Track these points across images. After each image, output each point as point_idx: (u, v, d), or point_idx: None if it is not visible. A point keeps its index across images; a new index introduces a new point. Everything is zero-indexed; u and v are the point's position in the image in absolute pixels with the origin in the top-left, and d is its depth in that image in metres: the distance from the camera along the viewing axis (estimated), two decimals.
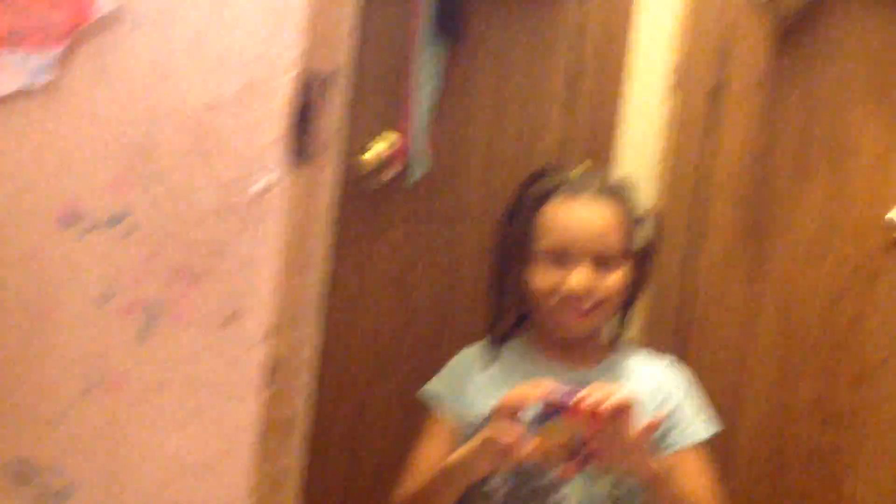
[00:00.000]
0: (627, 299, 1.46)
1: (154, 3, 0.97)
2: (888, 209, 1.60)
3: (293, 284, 0.94)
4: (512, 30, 1.67)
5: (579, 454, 1.23)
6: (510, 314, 1.51)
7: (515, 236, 1.45)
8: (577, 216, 1.41)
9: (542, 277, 1.41)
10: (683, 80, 1.64)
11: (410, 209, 1.67)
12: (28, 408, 0.95)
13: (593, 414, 1.20)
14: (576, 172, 1.48)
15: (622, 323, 1.49)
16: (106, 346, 0.95)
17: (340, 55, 0.99)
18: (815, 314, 1.64)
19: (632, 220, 1.44)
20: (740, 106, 1.64)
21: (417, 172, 1.63)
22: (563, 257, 1.39)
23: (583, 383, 1.29)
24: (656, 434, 1.35)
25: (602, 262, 1.39)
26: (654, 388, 1.44)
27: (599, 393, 1.22)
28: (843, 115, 1.63)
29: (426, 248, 1.68)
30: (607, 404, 1.21)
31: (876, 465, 1.61)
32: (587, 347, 1.47)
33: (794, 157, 1.65)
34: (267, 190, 0.94)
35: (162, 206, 0.95)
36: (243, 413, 0.91)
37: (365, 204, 1.66)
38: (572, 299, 1.39)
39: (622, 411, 1.22)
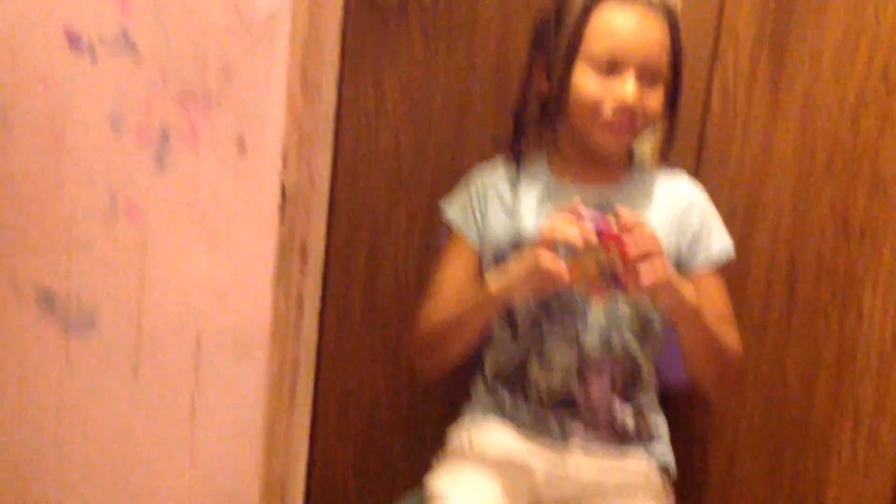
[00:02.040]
0: (666, 122, 1.43)
1: None
2: None
3: (304, 108, 0.95)
4: None
5: (608, 279, 1.24)
6: (531, 127, 1.49)
7: (559, 40, 1.39)
8: (631, 25, 1.35)
9: (590, 84, 1.37)
10: None
11: (427, 24, 1.65)
12: (51, 236, 0.98)
13: (623, 238, 1.20)
14: None
15: (663, 144, 1.47)
16: (124, 171, 0.97)
17: None
18: (837, 123, 1.62)
19: (675, 38, 1.40)
20: None
21: None
22: (611, 66, 1.35)
23: (608, 201, 1.30)
24: (678, 255, 1.38)
25: (648, 76, 1.36)
26: (674, 206, 1.44)
27: (629, 216, 1.22)
28: None
29: (443, 63, 1.67)
30: (636, 226, 1.22)
31: (891, 278, 1.63)
32: (609, 164, 1.45)
33: None
34: (275, 12, 0.94)
35: (170, 24, 0.94)
36: (260, 237, 0.94)
37: (381, 20, 1.64)
38: (622, 111, 1.36)
39: (650, 237, 1.23)
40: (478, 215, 1.46)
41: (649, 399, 1.47)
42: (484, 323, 1.36)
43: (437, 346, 1.42)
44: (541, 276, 1.24)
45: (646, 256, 1.22)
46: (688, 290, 1.30)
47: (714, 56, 1.62)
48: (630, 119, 1.36)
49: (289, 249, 1.00)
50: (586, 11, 1.36)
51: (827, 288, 1.66)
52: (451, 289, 1.43)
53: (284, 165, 0.98)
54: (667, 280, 1.24)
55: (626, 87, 1.34)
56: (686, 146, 1.64)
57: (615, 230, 1.20)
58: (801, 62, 1.62)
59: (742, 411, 1.71)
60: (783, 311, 1.68)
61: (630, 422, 1.43)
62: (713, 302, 1.41)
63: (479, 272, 1.45)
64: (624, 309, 1.41)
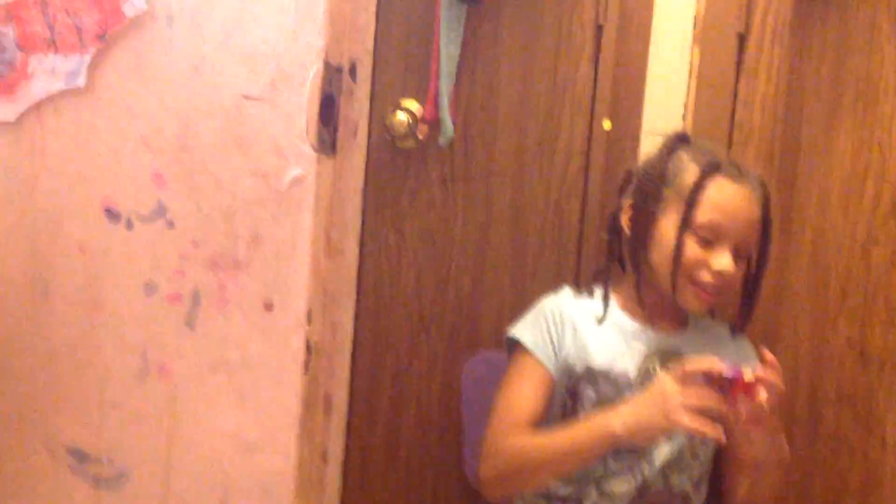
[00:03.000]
0: (748, 291, 1.49)
1: (186, 1, 1.01)
2: None
3: (327, 270, 1.00)
4: None
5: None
6: (614, 267, 1.53)
7: (667, 199, 1.44)
8: (739, 203, 1.42)
9: (692, 249, 1.41)
10: (708, 28, 1.64)
11: (445, 168, 1.71)
12: (85, 397, 1.03)
13: (749, 390, 1.24)
14: (720, 152, 1.49)
15: (743, 315, 1.51)
16: (156, 332, 1.01)
17: (363, 44, 1.02)
18: (848, 257, 1.65)
19: (767, 215, 1.46)
20: (766, 54, 1.64)
21: (447, 133, 1.67)
22: (714, 236, 1.41)
23: (677, 348, 1.37)
24: None
25: (739, 253, 1.43)
26: (734, 354, 1.48)
27: (768, 373, 1.27)
28: (873, 58, 1.62)
29: (462, 206, 1.72)
30: (771, 382, 1.26)
31: None
32: (675, 312, 1.49)
33: (824, 102, 1.64)
34: (300, 179, 0.99)
35: (201, 197, 1.00)
36: (285, 393, 0.98)
37: (400, 165, 1.69)
38: (716, 279, 1.41)
39: (772, 392, 1.27)
40: (555, 341, 1.47)
41: None
42: (592, 459, 1.36)
43: (522, 476, 1.40)
44: (681, 425, 1.26)
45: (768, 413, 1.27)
46: (786, 448, 1.36)
47: None
48: (720, 288, 1.42)
49: (313, 403, 1.03)
50: (702, 181, 1.42)
51: (849, 417, 1.66)
52: (530, 415, 1.42)
53: (309, 323, 1.02)
54: (778, 437, 1.32)
55: (725, 261, 1.40)
56: None
57: (746, 380, 1.23)
58: (810, 200, 1.66)
59: None
60: (807, 441, 1.67)
61: None
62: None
63: (551, 400, 1.46)
64: (687, 450, 1.44)
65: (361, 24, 1.06)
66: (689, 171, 1.43)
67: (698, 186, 1.41)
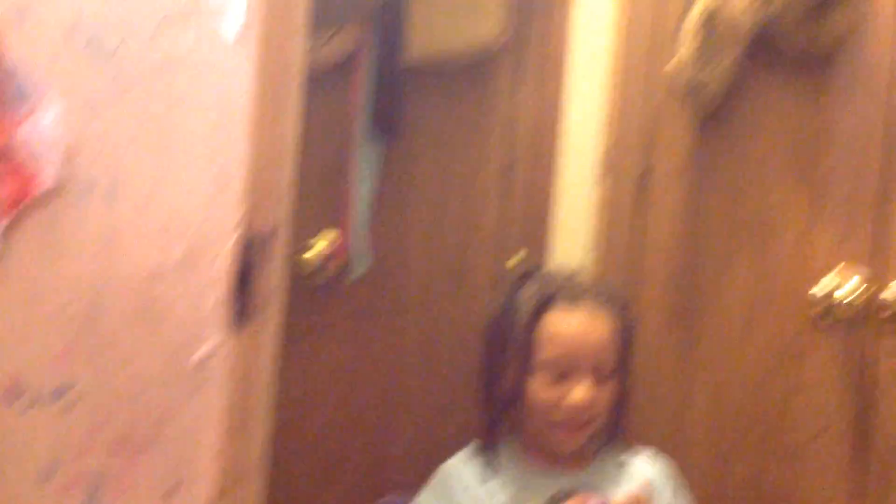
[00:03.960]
0: (617, 408, 1.46)
1: (101, 172, 0.98)
2: (813, 285, 1.65)
3: (237, 447, 0.96)
4: (447, 123, 1.70)
5: None
6: (500, 422, 1.49)
7: (511, 345, 1.42)
8: (582, 329, 1.39)
9: (545, 390, 1.39)
10: (612, 167, 1.69)
11: (353, 305, 1.68)
12: None
13: None
14: (565, 276, 1.48)
15: (613, 432, 1.49)
16: None
17: (281, 212, 1.01)
18: (746, 394, 1.68)
19: (626, 326, 1.44)
20: (667, 191, 1.68)
21: (359, 269, 1.66)
22: (565, 370, 1.38)
23: (584, 485, 1.36)
24: None
25: (600, 374, 1.39)
26: (644, 481, 1.46)
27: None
28: (766, 196, 1.68)
29: (370, 344, 1.70)
30: None
31: None
32: (577, 451, 1.46)
33: (721, 239, 1.69)
34: (210, 355, 0.96)
35: (106, 376, 0.96)
36: None
37: (308, 302, 1.66)
38: (573, 416, 1.39)
39: None
40: None
41: None
42: None
43: None
44: None
45: None
46: None
47: None
48: (582, 422, 1.40)
49: None
50: (535, 318, 1.40)
51: None
52: None
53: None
54: None
55: (577, 394, 1.37)
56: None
57: None
58: (708, 338, 1.69)
59: None
60: None
61: None
62: None
63: None
64: None
65: (282, 189, 1.04)
66: (523, 310, 1.42)
67: (530, 324, 1.39)
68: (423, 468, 1.58)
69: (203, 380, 0.97)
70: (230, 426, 0.97)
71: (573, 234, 1.70)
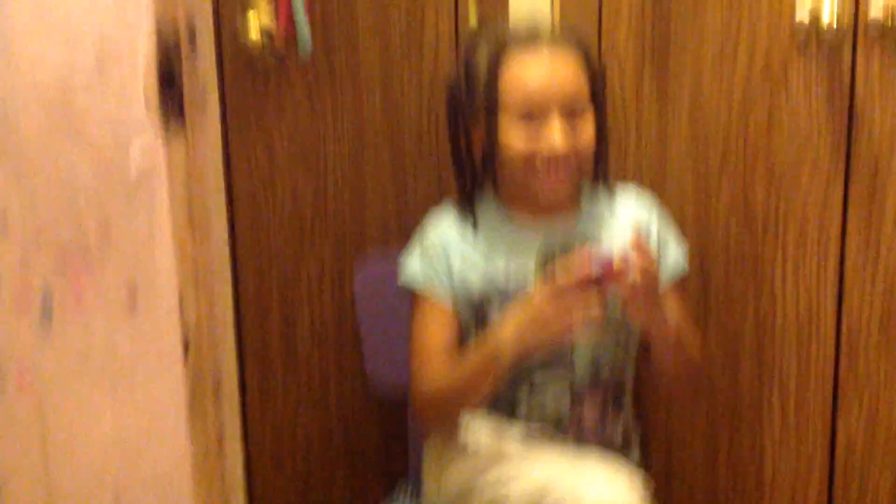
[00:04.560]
0: (598, 148, 1.41)
1: None
2: (791, 9, 1.56)
3: (194, 252, 0.93)
4: None
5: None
6: (475, 176, 1.47)
7: (475, 100, 1.37)
8: (543, 70, 1.34)
9: (517, 139, 1.35)
10: None
11: (310, 80, 1.63)
12: None
13: (620, 276, 1.24)
14: (522, 25, 1.40)
15: (600, 174, 1.46)
16: (7, 339, 0.94)
17: (198, 3, 0.92)
18: (727, 123, 1.64)
19: (591, 65, 1.38)
20: None
21: (304, 45, 1.56)
22: (532, 115, 1.33)
23: (568, 234, 1.34)
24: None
25: (572, 114, 1.34)
26: (635, 223, 1.44)
27: (637, 256, 1.25)
28: None
29: (332, 115, 1.65)
30: (642, 265, 1.25)
31: (798, 259, 1.67)
32: (562, 198, 1.43)
33: None
34: (145, 159, 0.91)
35: (37, 192, 0.91)
36: (166, 388, 0.92)
37: (263, 82, 1.61)
38: (554, 160, 1.35)
39: (650, 270, 1.26)
40: (443, 272, 1.42)
41: (630, 409, 1.51)
42: (497, 377, 1.33)
43: (450, 410, 1.40)
44: (554, 326, 1.26)
45: (644, 291, 1.26)
46: (671, 315, 1.35)
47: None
48: (564, 165, 1.36)
49: (199, 390, 0.99)
50: (494, 66, 1.34)
51: (738, 276, 1.70)
52: (441, 351, 1.40)
53: (182, 309, 0.96)
54: (659, 311, 1.31)
55: (553, 137, 1.33)
56: None
57: (617, 267, 1.23)
58: (685, 68, 1.63)
59: (672, 403, 1.75)
60: (699, 301, 1.71)
61: (618, 438, 1.47)
62: (681, 313, 1.45)
63: (460, 327, 1.44)
64: (609, 336, 1.43)
65: None
66: (482, 63, 1.36)
67: (491, 73, 1.34)
68: (397, 228, 1.64)
69: (143, 185, 0.91)
70: (184, 230, 0.93)
71: None
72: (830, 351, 1.69)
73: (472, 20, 1.48)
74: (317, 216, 1.69)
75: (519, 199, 1.43)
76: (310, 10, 1.56)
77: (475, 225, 1.43)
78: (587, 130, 1.37)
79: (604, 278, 1.24)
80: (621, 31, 1.61)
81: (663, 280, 1.42)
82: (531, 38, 1.35)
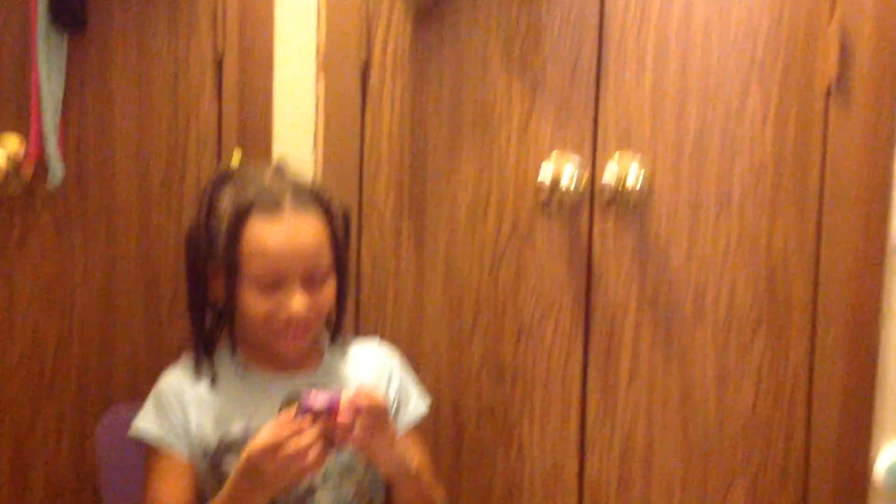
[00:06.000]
0: (339, 304, 1.43)
1: None
2: (537, 172, 1.69)
3: None
4: (147, 14, 1.57)
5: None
6: (213, 328, 1.44)
7: (214, 256, 1.36)
8: (287, 239, 1.33)
9: (256, 304, 1.34)
10: (329, 61, 1.62)
11: (59, 212, 1.56)
12: None
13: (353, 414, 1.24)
14: (264, 177, 1.39)
15: (336, 327, 1.47)
16: None
17: None
18: (478, 279, 1.72)
19: (335, 228, 1.39)
20: (387, 86, 1.65)
21: (57, 175, 1.51)
22: (273, 284, 1.33)
23: (314, 387, 1.30)
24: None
25: (312, 279, 1.35)
26: (375, 374, 1.47)
27: (361, 396, 1.25)
28: (487, 88, 1.69)
29: (82, 250, 1.59)
30: (367, 404, 1.25)
31: (543, 414, 1.74)
32: (303, 353, 1.43)
33: (445, 131, 1.69)
34: None
35: None
36: None
37: (6, 212, 1.54)
38: (294, 323, 1.35)
39: (379, 412, 1.27)
40: (179, 424, 1.37)
41: None
42: None
43: None
44: (275, 478, 1.23)
45: (371, 430, 1.26)
46: (410, 458, 1.36)
47: (360, 227, 1.67)
48: (304, 327, 1.36)
49: None
50: (235, 228, 1.33)
51: (489, 429, 1.75)
52: None
53: None
54: (392, 450, 1.31)
55: (294, 305, 1.33)
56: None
57: (342, 406, 1.23)
58: (440, 225, 1.71)
59: None
60: (453, 454, 1.74)
61: None
62: (420, 456, 1.45)
63: (196, 482, 1.37)
64: (349, 485, 1.40)
65: None
66: (222, 220, 1.35)
67: (232, 238, 1.33)
68: (147, 377, 1.52)
69: None
70: None
71: (296, 129, 1.64)
72: None
73: (236, 158, 1.48)
74: (59, 363, 1.59)
75: (258, 354, 1.42)
76: (63, 135, 1.52)
77: (213, 378, 1.41)
78: (328, 292, 1.39)
79: (328, 420, 1.24)
80: (381, 184, 1.68)
81: (404, 424, 1.46)
82: (274, 200, 1.34)
